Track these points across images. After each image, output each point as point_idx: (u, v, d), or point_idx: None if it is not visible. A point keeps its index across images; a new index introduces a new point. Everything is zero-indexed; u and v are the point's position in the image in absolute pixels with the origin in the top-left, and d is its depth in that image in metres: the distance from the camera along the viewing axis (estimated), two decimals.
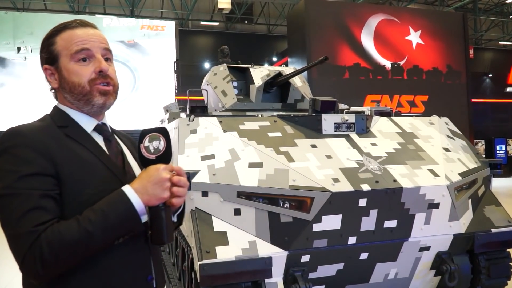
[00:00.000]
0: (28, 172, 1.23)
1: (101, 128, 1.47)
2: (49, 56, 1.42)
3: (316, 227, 2.98)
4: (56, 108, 1.46)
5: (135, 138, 1.55)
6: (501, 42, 23.40)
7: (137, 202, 1.26)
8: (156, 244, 1.31)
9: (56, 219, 1.23)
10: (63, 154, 1.31)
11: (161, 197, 1.28)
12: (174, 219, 1.48)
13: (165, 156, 1.33)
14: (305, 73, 10.13)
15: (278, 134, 3.42)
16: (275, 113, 4.36)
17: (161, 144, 1.33)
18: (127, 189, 1.28)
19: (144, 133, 1.34)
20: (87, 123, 1.44)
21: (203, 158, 3.11)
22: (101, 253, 1.29)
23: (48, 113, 1.47)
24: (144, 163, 1.33)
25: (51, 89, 1.48)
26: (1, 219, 1.24)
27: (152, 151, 1.32)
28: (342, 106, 5.02)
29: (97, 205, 1.25)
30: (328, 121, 3.56)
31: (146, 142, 1.32)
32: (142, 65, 14.49)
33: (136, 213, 1.26)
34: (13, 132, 1.30)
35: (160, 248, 1.62)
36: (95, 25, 1.49)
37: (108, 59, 1.46)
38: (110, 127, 1.54)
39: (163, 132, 1.35)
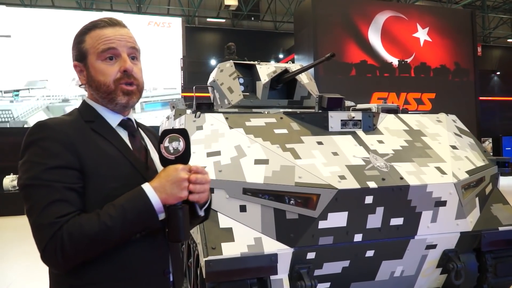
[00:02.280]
0: (54, 165, 1.29)
1: (126, 123, 1.52)
2: (78, 53, 1.47)
3: (322, 224, 2.97)
4: (84, 103, 1.51)
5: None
6: (509, 40, 23.23)
7: (155, 200, 1.30)
8: (173, 242, 1.34)
9: (78, 212, 1.28)
10: (88, 148, 1.36)
11: (178, 197, 1.32)
12: (202, 213, 1.52)
13: (184, 157, 1.37)
14: (312, 70, 10.09)
15: (284, 131, 3.41)
16: (282, 110, 4.35)
17: (180, 145, 1.36)
18: (146, 187, 1.31)
19: (164, 133, 1.38)
20: (113, 119, 1.49)
21: (209, 154, 3.11)
22: (120, 247, 1.33)
23: (77, 107, 1.52)
24: (164, 163, 1.37)
25: (80, 85, 1.52)
26: (26, 208, 1.31)
27: (172, 151, 1.36)
28: (348, 103, 5.00)
29: (117, 201, 1.30)
30: (335, 118, 3.55)
31: (166, 143, 1.36)
32: (148, 61, 14.51)
33: (153, 211, 1.30)
34: (41, 125, 1.35)
35: (179, 244, 1.67)
36: (124, 24, 1.52)
37: (134, 57, 1.49)
38: (136, 122, 1.59)
39: (183, 133, 1.38)
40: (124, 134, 1.50)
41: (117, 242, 1.30)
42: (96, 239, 1.25)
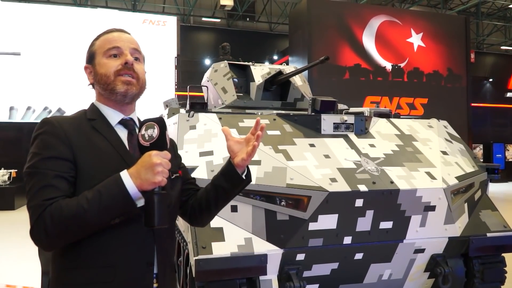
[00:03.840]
0: (48, 155, 1.43)
1: (127, 122, 1.62)
2: (89, 56, 1.64)
3: (312, 226, 2.99)
4: (91, 104, 1.66)
5: None
6: (502, 47, 23.38)
7: (130, 185, 1.35)
8: (147, 227, 1.37)
9: (63, 197, 1.39)
10: (83, 142, 1.49)
11: (153, 182, 1.35)
12: (243, 176, 1.67)
13: (159, 143, 1.40)
14: (306, 72, 10.13)
15: (277, 132, 3.43)
16: (275, 112, 4.37)
17: (154, 132, 1.41)
18: (123, 173, 1.38)
19: (142, 122, 1.44)
20: (113, 117, 1.61)
21: (202, 154, 3.12)
22: (106, 232, 1.42)
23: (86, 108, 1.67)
24: (141, 150, 1.42)
25: (89, 84, 1.66)
26: (26, 193, 1.44)
27: (147, 138, 1.41)
28: (341, 106, 5.03)
29: (96, 186, 1.38)
30: (327, 121, 3.57)
31: (142, 131, 1.42)
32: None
33: (128, 196, 1.35)
34: (44, 121, 1.51)
35: (172, 238, 1.73)
36: (129, 32, 1.70)
37: (137, 58, 1.63)
38: (139, 121, 1.68)
39: (159, 121, 1.43)
40: (124, 132, 1.60)
41: (96, 225, 1.37)
42: (73, 221, 1.34)
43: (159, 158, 1.36)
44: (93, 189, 1.37)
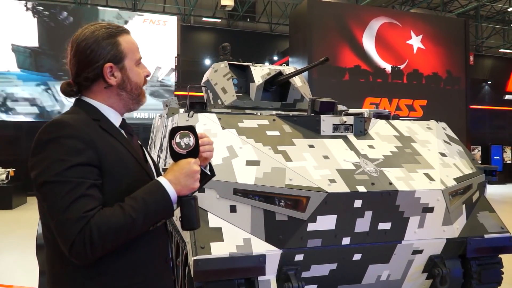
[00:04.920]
0: (77, 162, 1.33)
1: (124, 124, 1.60)
2: (116, 55, 1.52)
3: (311, 227, 3.00)
4: (84, 102, 1.53)
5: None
6: (501, 50, 23.44)
7: (172, 192, 1.40)
8: (187, 230, 1.43)
9: (101, 206, 1.34)
10: (104, 146, 1.42)
11: (192, 188, 1.43)
12: (208, 172, 1.64)
13: (195, 151, 1.47)
14: (305, 73, 10.14)
15: (277, 133, 3.43)
16: (274, 112, 4.37)
17: (191, 140, 1.46)
18: (162, 180, 1.41)
19: (174, 130, 1.46)
20: (115, 118, 1.56)
21: None
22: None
23: (77, 106, 1.53)
24: (175, 157, 1.46)
25: (106, 87, 1.52)
26: (48, 205, 1.32)
27: (184, 146, 1.46)
28: (341, 107, 5.04)
29: (136, 194, 1.38)
30: (327, 122, 3.58)
31: (177, 139, 1.45)
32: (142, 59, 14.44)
33: (171, 202, 1.40)
34: (60, 122, 1.39)
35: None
36: None
37: None
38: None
39: (192, 129, 1.48)
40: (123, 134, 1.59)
41: (140, 232, 1.39)
42: (121, 230, 1.31)
43: (197, 165, 1.45)
44: (134, 197, 1.36)
